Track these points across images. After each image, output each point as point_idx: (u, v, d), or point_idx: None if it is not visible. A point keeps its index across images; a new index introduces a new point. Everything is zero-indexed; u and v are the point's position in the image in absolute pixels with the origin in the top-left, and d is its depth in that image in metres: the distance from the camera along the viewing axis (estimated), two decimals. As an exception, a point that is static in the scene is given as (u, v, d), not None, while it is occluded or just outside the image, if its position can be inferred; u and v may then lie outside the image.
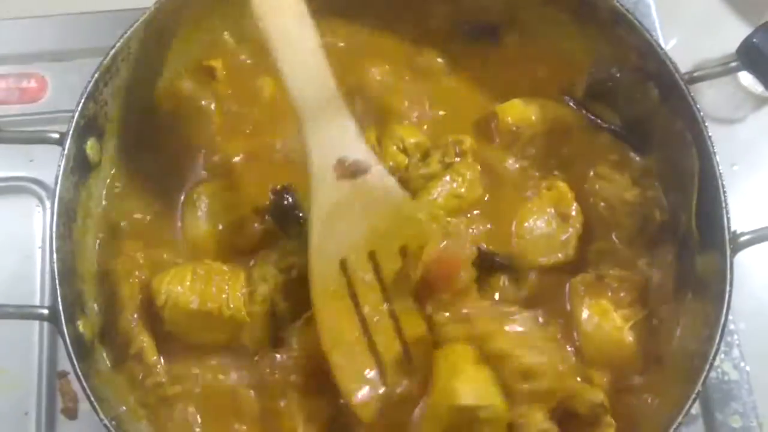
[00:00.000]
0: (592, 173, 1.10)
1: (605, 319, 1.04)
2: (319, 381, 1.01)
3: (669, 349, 1.04)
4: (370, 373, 0.99)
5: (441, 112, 1.17)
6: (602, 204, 1.09)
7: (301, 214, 1.04)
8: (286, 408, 1.00)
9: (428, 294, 1.01)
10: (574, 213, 1.08)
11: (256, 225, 1.08)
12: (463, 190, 1.09)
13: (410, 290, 1.02)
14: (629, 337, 1.03)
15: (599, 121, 1.14)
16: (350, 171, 1.00)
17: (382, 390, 0.99)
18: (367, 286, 1.01)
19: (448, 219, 1.07)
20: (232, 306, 1.01)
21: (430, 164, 1.10)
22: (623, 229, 1.08)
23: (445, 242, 1.03)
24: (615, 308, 1.04)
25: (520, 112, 1.12)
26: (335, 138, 1.00)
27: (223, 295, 1.01)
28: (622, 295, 1.05)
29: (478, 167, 1.11)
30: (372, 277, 1.01)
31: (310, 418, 1.00)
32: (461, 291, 1.01)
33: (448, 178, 1.09)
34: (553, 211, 1.09)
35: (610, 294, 1.05)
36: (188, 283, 1.01)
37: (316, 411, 1.01)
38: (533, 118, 1.12)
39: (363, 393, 0.98)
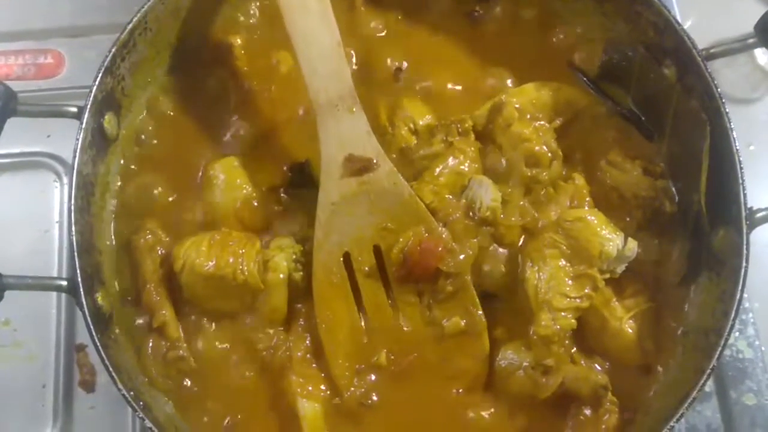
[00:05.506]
0: (603, 161, 1.10)
1: (606, 308, 1.03)
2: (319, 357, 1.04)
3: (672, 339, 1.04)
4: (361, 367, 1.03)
5: (458, 87, 1.17)
6: (613, 193, 1.08)
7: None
8: (287, 385, 1.02)
9: (412, 281, 1.04)
10: (587, 208, 1.07)
11: (274, 206, 1.09)
12: (464, 167, 1.09)
13: (412, 282, 1.04)
14: (629, 329, 1.03)
15: (612, 102, 1.13)
16: (357, 168, 1.03)
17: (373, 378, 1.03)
18: (369, 280, 1.04)
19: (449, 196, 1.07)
20: (246, 271, 1.02)
21: (433, 144, 1.10)
22: (633, 219, 1.07)
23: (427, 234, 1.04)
24: (618, 298, 1.04)
25: (532, 97, 1.12)
26: (346, 134, 1.03)
27: (239, 260, 1.02)
28: (625, 284, 1.04)
29: (478, 144, 1.11)
30: (374, 269, 1.04)
31: (310, 394, 1.02)
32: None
33: (450, 159, 1.09)
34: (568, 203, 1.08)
35: (613, 282, 1.04)
36: (204, 248, 1.03)
37: (316, 388, 1.03)
38: (546, 102, 1.12)
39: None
